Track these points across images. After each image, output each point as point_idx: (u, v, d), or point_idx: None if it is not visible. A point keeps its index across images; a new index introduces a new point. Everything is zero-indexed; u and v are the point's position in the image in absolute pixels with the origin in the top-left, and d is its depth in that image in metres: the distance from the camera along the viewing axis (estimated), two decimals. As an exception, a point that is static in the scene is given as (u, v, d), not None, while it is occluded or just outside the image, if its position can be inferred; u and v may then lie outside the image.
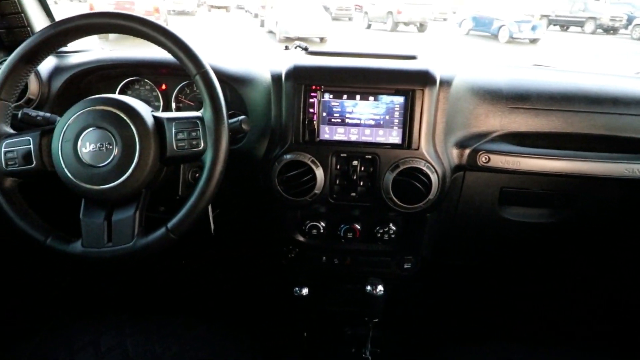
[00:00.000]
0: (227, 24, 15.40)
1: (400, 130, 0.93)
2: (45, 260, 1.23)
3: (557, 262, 1.28)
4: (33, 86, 0.97)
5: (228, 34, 12.08)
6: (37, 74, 0.98)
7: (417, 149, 0.92)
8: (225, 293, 1.44)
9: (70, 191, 0.76)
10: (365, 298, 1.05)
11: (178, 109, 1.08)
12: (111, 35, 0.90)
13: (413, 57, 1.04)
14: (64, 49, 1.12)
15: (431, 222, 1.07)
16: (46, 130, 0.78)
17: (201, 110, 0.77)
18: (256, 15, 16.46)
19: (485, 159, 0.96)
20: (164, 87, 1.07)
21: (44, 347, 0.83)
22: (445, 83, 0.94)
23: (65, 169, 0.74)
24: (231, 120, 0.82)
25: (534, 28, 12.65)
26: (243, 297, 1.40)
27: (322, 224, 1.04)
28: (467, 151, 0.97)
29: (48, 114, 0.84)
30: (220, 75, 0.91)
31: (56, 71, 1.03)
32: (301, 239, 1.09)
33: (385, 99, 0.93)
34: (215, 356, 0.85)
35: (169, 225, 0.75)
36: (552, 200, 1.08)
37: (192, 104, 1.08)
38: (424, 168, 0.91)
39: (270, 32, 11.98)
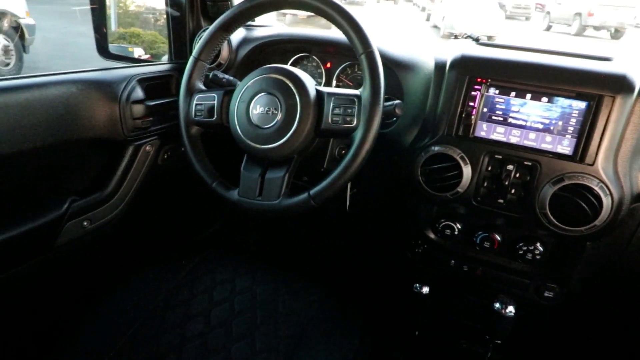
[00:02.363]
0: (393, 15, 15.43)
1: (574, 140, 0.81)
2: (205, 203, 1.44)
3: None
4: (224, 52, 1.13)
5: (392, 25, 12.10)
6: (229, 43, 1.13)
7: (592, 164, 0.79)
8: (348, 268, 1.49)
9: (237, 146, 0.86)
10: (491, 316, 0.96)
11: (338, 87, 1.13)
12: (287, 20, 0.99)
13: (607, 59, 0.89)
14: (251, 23, 1.28)
15: (590, 253, 0.92)
16: (228, 90, 0.89)
17: (360, 89, 0.79)
18: (423, 9, 16.11)
19: None
20: (328, 65, 1.14)
21: (192, 275, 0.97)
22: None
23: (237, 126, 0.84)
24: (386, 103, 0.82)
25: None
26: (364, 277, 1.43)
27: (458, 225, 0.98)
28: None
29: (231, 77, 0.96)
30: (384, 58, 0.92)
31: (244, 41, 1.17)
32: (432, 236, 1.05)
33: (562, 102, 0.82)
34: (328, 325, 0.89)
35: (312, 192, 0.79)
36: None
37: (351, 84, 1.12)
38: (596, 188, 0.78)
39: (435, 26, 11.62)
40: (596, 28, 12.24)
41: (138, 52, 1.48)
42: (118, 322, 0.85)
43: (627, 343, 1.17)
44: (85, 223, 0.99)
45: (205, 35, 0.90)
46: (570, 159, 0.82)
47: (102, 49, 1.21)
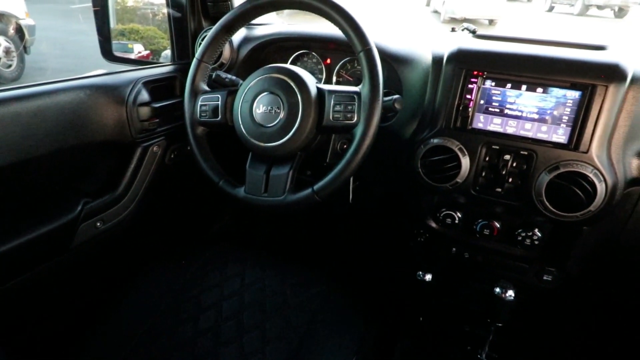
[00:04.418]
0: (392, 0, 15.21)
1: (569, 129, 0.84)
2: (212, 199, 1.48)
3: None
4: (226, 52, 1.15)
5: (391, 12, 11.95)
6: (231, 43, 1.15)
7: (586, 152, 0.82)
8: (353, 259, 1.53)
9: (242, 145, 0.88)
10: (492, 300, 1.00)
11: (338, 83, 1.15)
12: (285, 12, 1.01)
13: (601, 48, 0.90)
14: (252, 22, 1.29)
15: (587, 237, 0.94)
16: (231, 90, 0.91)
17: (359, 86, 0.81)
18: (424, -7, 15.90)
19: None
20: (328, 61, 1.15)
21: (204, 269, 1.00)
22: (639, 81, 0.80)
23: (241, 125, 0.86)
24: (385, 99, 0.84)
25: None
26: (369, 267, 1.46)
27: (459, 214, 1.01)
28: None
29: (234, 77, 0.98)
30: (383, 53, 0.94)
31: (245, 41, 1.19)
32: (433, 225, 1.08)
33: (557, 92, 0.84)
34: (334, 314, 0.92)
35: (315, 187, 0.81)
36: None
37: (351, 79, 1.14)
38: (590, 175, 0.80)
39: (436, 11, 11.47)
40: (599, 7, 12.02)
41: (138, 48, 1.49)
42: (133, 318, 0.88)
43: (625, 324, 1.20)
44: (98, 224, 1.03)
45: (207, 37, 0.92)
46: (565, 148, 0.84)
47: (106, 52, 1.24)
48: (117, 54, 1.34)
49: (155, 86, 1.08)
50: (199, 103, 0.91)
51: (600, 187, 0.80)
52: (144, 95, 1.03)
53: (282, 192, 0.84)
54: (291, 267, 1.02)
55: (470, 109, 0.90)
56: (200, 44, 0.95)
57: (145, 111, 1.02)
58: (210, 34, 0.91)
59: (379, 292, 1.22)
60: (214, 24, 0.93)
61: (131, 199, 1.08)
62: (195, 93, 0.92)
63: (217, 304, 0.92)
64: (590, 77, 0.81)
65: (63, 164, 0.97)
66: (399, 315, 1.28)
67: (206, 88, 0.94)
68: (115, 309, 0.92)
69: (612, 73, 0.80)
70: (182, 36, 1.22)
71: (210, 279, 0.98)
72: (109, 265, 1.17)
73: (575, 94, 0.82)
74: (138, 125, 1.02)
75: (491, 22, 9.96)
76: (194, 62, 0.92)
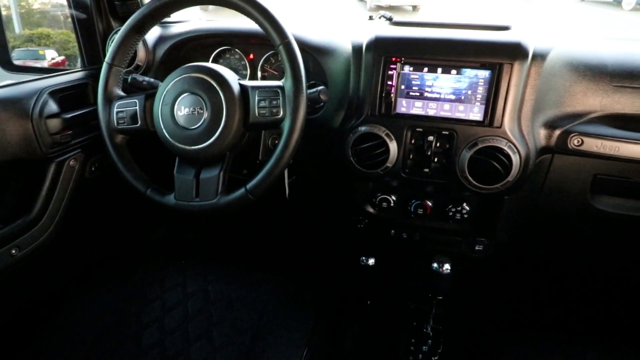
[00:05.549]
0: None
1: (483, 106, 0.89)
2: (145, 209, 1.40)
3: None
4: (141, 54, 1.08)
5: (314, 1, 11.96)
6: (145, 43, 1.09)
7: (500, 127, 0.87)
8: (297, 253, 1.53)
9: (167, 150, 0.84)
10: (431, 275, 1.05)
11: (263, 78, 1.13)
12: (210, 7, 0.97)
13: (505, 28, 0.97)
14: (167, 19, 1.23)
15: (510, 205, 1.02)
16: (150, 94, 0.86)
17: (282, 80, 0.81)
18: (347, -17, 16.09)
19: (578, 141, 0.88)
20: (251, 56, 1.13)
21: (140, 285, 0.96)
22: (539, 57, 0.87)
23: (164, 130, 0.82)
24: (310, 91, 0.84)
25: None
26: (313, 260, 1.47)
27: (393, 197, 1.04)
28: (557, 132, 0.90)
29: (152, 79, 0.93)
30: (303, 45, 0.94)
31: (160, 40, 1.13)
32: (371, 210, 1.10)
33: (469, 72, 0.88)
34: (283, 311, 0.92)
35: (248, 186, 0.80)
36: None
37: (276, 73, 1.13)
38: (505, 148, 0.86)
39: (362, 0, 11.68)
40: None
41: (50, 54, 1.37)
42: (69, 344, 0.83)
43: (553, 282, 1.32)
44: (13, 251, 0.93)
45: (116, 38, 0.86)
46: (481, 124, 0.89)
47: (4, 62, 1.12)
48: (19, 62, 1.22)
49: (65, 95, 1.00)
50: (115, 110, 0.86)
51: (515, 159, 0.86)
52: (52, 106, 0.95)
53: (215, 195, 0.82)
54: (234, 270, 1.00)
55: (392, 95, 0.92)
56: (110, 46, 0.89)
57: (55, 123, 0.94)
58: (118, 35, 0.86)
59: (326, 283, 1.24)
60: (124, 24, 0.87)
61: (50, 220, 1.00)
62: (109, 99, 0.87)
63: (160, 318, 0.88)
64: (496, 56, 0.86)
65: None
66: (347, 302, 1.31)
67: (121, 93, 0.89)
68: (48, 336, 0.85)
69: (515, 51, 0.85)
70: (90, 39, 1.13)
71: (149, 294, 0.94)
72: (34, 293, 1.08)
73: (485, 73, 0.87)
74: (48, 139, 0.94)
75: (414, 8, 10.32)
76: (104, 66, 0.87)
